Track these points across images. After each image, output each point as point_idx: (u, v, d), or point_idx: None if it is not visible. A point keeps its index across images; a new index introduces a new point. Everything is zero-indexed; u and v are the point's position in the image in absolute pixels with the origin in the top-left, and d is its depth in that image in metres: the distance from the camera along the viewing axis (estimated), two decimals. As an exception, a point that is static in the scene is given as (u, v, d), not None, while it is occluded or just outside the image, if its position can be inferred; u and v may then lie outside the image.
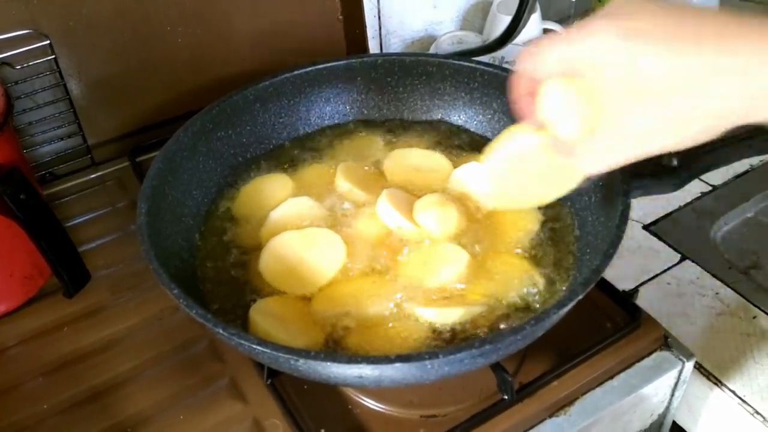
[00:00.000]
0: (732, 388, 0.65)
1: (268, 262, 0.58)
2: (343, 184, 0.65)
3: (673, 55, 0.33)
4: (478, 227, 0.60)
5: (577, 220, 0.61)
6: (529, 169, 0.48)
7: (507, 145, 0.48)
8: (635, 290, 0.63)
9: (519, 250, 0.59)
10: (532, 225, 0.61)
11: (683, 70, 0.33)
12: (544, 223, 0.61)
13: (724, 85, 0.33)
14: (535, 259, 0.58)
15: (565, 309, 0.46)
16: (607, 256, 0.48)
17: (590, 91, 0.37)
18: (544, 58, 0.39)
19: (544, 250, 0.59)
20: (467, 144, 0.71)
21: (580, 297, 0.46)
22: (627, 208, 0.51)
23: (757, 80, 0.32)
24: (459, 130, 0.73)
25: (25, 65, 0.74)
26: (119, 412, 0.57)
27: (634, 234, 0.79)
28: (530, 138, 0.46)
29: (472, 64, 0.70)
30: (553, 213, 0.62)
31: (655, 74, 0.34)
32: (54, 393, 0.59)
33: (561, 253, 0.59)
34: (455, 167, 0.66)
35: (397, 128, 0.74)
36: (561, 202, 0.63)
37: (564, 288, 0.56)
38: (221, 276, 0.59)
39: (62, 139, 0.82)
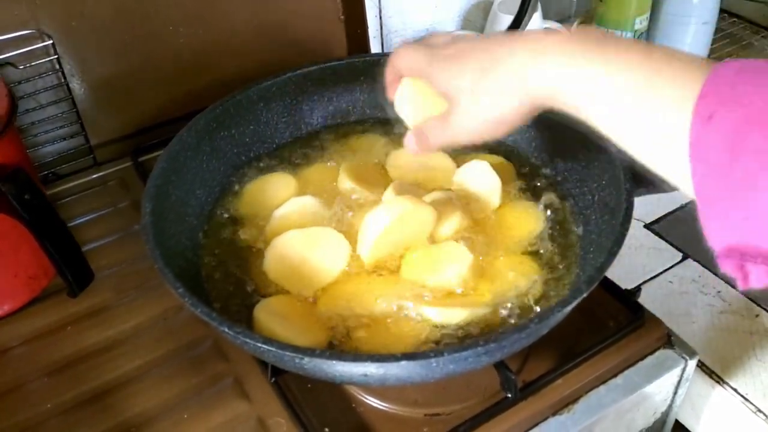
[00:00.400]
0: (734, 386, 0.65)
1: (272, 262, 0.58)
2: (346, 182, 0.65)
3: (469, 74, 0.46)
4: (482, 226, 0.60)
5: (580, 219, 0.61)
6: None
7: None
8: (638, 289, 0.63)
9: (522, 249, 0.59)
10: (536, 224, 0.61)
11: (476, 85, 0.46)
12: (547, 222, 0.61)
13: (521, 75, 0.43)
14: (539, 258, 0.59)
15: (570, 307, 0.46)
16: (611, 253, 0.48)
17: (424, 89, 0.51)
18: (402, 60, 0.53)
19: (547, 248, 0.59)
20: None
21: (585, 295, 0.46)
22: (631, 206, 0.52)
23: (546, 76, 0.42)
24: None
25: (27, 65, 0.74)
26: (123, 411, 0.57)
27: (635, 233, 0.80)
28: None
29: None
30: (556, 211, 0.62)
31: (460, 89, 0.47)
32: (58, 393, 0.59)
33: (564, 251, 0.59)
34: (458, 166, 0.66)
35: (400, 127, 0.74)
36: (565, 200, 0.63)
37: (567, 287, 0.56)
38: (225, 275, 0.59)
39: (65, 139, 0.82)
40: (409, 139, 0.54)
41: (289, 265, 0.58)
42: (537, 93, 0.43)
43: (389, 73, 0.55)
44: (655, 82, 0.36)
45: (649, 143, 0.37)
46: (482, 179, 0.63)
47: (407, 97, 0.54)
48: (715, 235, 0.33)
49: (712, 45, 1.03)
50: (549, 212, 0.62)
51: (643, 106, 0.37)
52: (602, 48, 0.39)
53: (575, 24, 1.05)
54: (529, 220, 0.61)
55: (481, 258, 0.58)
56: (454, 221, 0.59)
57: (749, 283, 0.33)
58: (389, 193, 0.61)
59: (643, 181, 0.54)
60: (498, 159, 0.68)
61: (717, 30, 1.03)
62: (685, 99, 0.34)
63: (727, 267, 0.33)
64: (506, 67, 0.44)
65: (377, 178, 0.67)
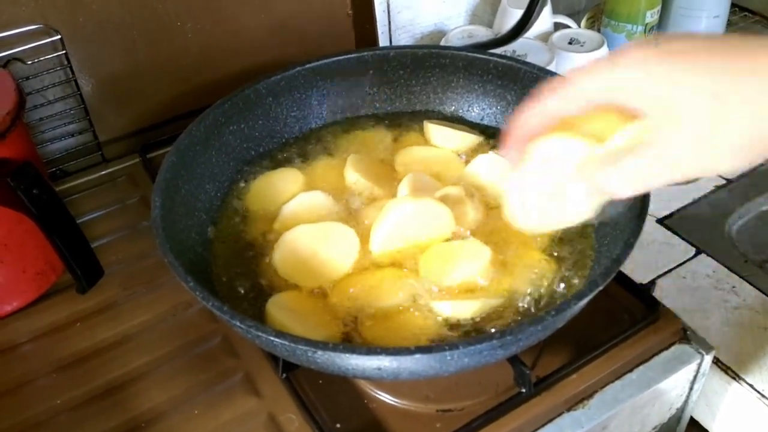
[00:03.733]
0: (750, 382, 0.64)
1: (281, 256, 0.58)
2: (353, 177, 0.64)
3: (717, 75, 0.32)
4: (495, 220, 0.60)
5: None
6: (558, 184, 0.43)
7: (539, 153, 0.41)
8: (653, 283, 0.63)
9: (537, 243, 0.58)
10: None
11: (727, 90, 0.32)
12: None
13: None
14: (553, 251, 0.58)
15: (586, 300, 0.46)
16: (628, 245, 0.47)
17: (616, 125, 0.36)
18: (583, 87, 0.37)
19: (561, 241, 0.58)
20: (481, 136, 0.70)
21: (601, 287, 0.46)
22: (647, 198, 0.51)
23: None
24: (472, 122, 0.73)
25: (35, 61, 0.74)
26: (133, 407, 0.57)
27: (647, 228, 0.78)
28: (566, 146, 0.40)
29: (486, 56, 0.70)
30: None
31: (697, 98, 0.32)
32: (67, 389, 0.58)
33: (579, 244, 0.58)
34: (469, 160, 0.66)
35: (409, 122, 0.73)
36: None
37: (582, 280, 0.55)
38: (234, 269, 0.58)
39: (73, 135, 0.82)
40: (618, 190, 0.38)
41: (299, 259, 0.57)
42: None
43: (526, 125, 0.39)
44: None
45: None
46: (494, 168, 0.62)
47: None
48: None
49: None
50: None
51: None
52: None
53: (584, 19, 1.05)
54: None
55: (495, 252, 0.57)
56: (468, 216, 0.58)
57: None
58: (404, 186, 0.60)
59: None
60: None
61: (728, 24, 1.02)
62: None
63: None
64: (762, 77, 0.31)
65: (385, 173, 0.66)
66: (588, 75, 0.36)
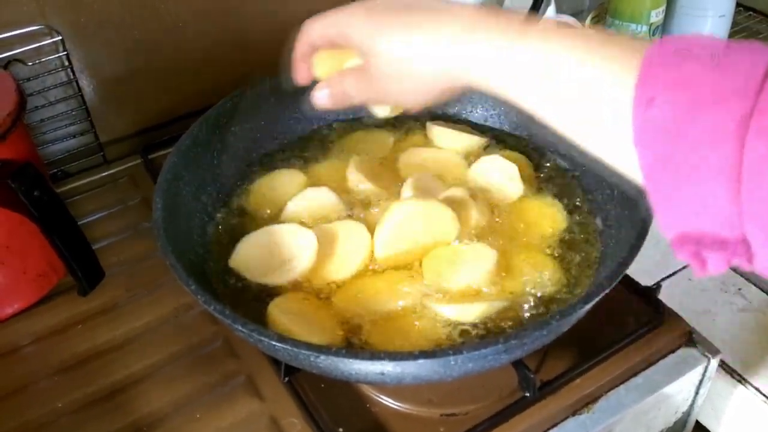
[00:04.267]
0: (756, 385, 0.64)
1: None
2: (356, 178, 0.64)
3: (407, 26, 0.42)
4: (499, 223, 0.59)
5: (600, 213, 0.60)
6: None
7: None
8: (658, 285, 0.62)
9: (542, 246, 0.58)
10: (556, 220, 0.60)
11: (413, 38, 0.41)
12: (567, 217, 0.60)
13: (440, 51, 0.40)
14: (558, 254, 0.57)
15: (591, 303, 0.45)
16: (634, 248, 0.47)
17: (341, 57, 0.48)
18: (314, 28, 0.48)
19: (566, 244, 0.58)
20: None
21: (607, 291, 0.45)
22: (653, 200, 0.50)
23: (461, 48, 0.39)
24: (476, 124, 0.72)
25: (36, 62, 0.74)
26: (134, 410, 0.56)
27: (652, 229, 0.78)
28: None
29: (489, 57, 0.69)
30: (575, 205, 0.61)
31: (390, 45, 0.42)
32: (68, 391, 0.58)
33: (583, 246, 0.58)
34: (473, 161, 0.65)
35: (412, 123, 0.73)
36: (584, 194, 0.62)
37: (588, 283, 0.54)
38: (235, 272, 0.58)
39: (74, 136, 0.81)
40: (321, 92, 0.49)
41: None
42: (455, 65, 0.40)
43: (301, 47, 0.50)
44: (594, 62, 0.34)
45: (591, 129, 0.35)
46: (499, 170, 0.62)
47: (324, 58, 0.49)
48: (667, 223, 0.32)
49: (728, 38, 1.02)
50: (567, 207, 0.61)
51: (583, 87, 0.34)
52: (536, 27, 0.37)
53: (589, 18, 1.04)
54: (548, 217, 0.60)
55: (501, 256, 0.56)
56: (473, 219, 0.57)
57: (707, 270, 0.31)
58: (408, 188, 0.60)
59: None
60: (513, 154, 0.67)
61: (733, 23, 1.01)
62: (625, 82, 0.32)
63: (682, 255, 0.32)
64: (445, 33, 0.40)
65: (388, 175, 0.66)
66: (317, 20, 0.48)
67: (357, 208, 0.62)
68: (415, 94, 0.44)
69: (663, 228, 0.32)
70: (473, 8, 0.40)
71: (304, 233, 0.57)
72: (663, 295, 0.62)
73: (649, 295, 0.61)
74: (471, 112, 0.73)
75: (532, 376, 0.53)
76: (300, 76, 0.52)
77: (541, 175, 0.65)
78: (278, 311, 0.53)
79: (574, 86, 0.35)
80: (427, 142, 0.70)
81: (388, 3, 0.43)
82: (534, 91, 0.37)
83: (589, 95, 0.34)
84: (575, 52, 0.35)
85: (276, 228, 0.58)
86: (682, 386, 0.60)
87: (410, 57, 0.41)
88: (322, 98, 0.49)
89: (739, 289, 0.72)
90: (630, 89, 0.32)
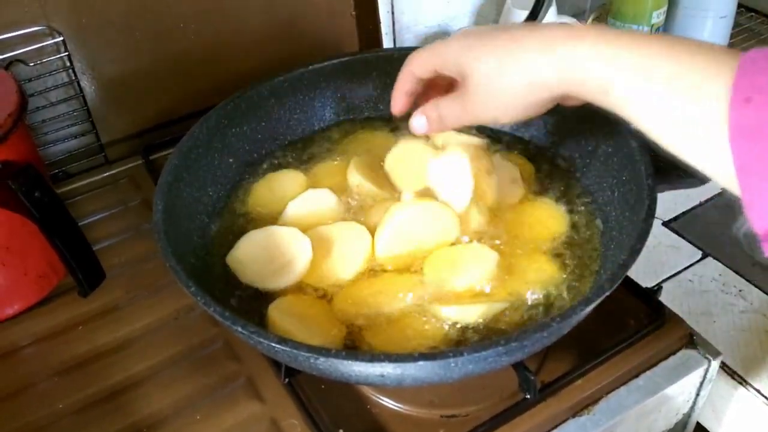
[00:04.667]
0: (757, 387, 0.63)
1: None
2: (356, 179, 0.64)
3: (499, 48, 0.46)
4: (500, 224, 0.59)
5: (600, 215, 0.59)
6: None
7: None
8: (659, 287, 0.62)
9: (542, 248, 0.58)
10: (556, 222, 0.60)
11: (505, 58, 0.45)
12: (567, 219, 0.60)
13: (538, 66, 0.44)
14: (559, 256, 0.57)
15: (592, 305, 0.45)
16: (635, 250, 0.46)
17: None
18: (415, 58, 0.51)
19: (567, 245, 0.58)
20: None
21: (608, 293, 0.45)
22: (654, 201, 0.50)
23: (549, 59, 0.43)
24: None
25: (38, 62, 0.74)
26: (135, 412, 0.56)
27: (654, 231, 0.78)
28: None
29: (490, 58, 0.69)
30: (575, 208, 0.61)
31: (483, 64, 0.46)
32: (69, 393, 0.58)
33: (584, 248, 0.58)
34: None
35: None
36: (584, 196, 0.62)
37: (588, 285, 0.54)
38: (235, 273, 0.58)
39: (75, 137, 0.82)
40: (418, 120, 0.52)
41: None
42: (565, 76, 0.42)
43: (403, 77, 0.53)
44: (685, 70, 0.37)
45: (683, 133, 0.37)
46: (499, 172, 0.62)
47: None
48: (758, 218, 0.34)
49: (730, 39, 1.01)
50: (568, 209, 0.61)
51: (676, 94, 0.37)
52: (628, 37, 0.40)
53: (590, 19, 1.04)
54: (549, 218, 0.60)
55: (502, 257, 0.56)
56: (474, 220, 0.57)
57: None
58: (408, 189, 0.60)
59: (663, 176, 0.53)
60: (514, 155, 0.67)
61: (735, 24, 1.01)
62: (719, 85, 0.35)
63: None
64: (533, 48, 0.43)
65: (387, 176, 0.66)
66: (418, 52, 0.51)
67: (357, 209, 0.62)
68: (506, 108, 0.46)
69: (754, 225, 0.34)
70: (550, 25, 0.45)
71: (299, 238, 0.56)
72: (664, 297, 0.62)
73: (649, 296, 0.61)
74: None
75: (532, 377, 0.53)
76: (397, 109, 0.55)
77: (542, 176, 0.65)
78: (278, 313, 0.53)
79: (671, 87, 0.37)
80: (428, 143, 0.70)
81: (478, 32, 0.48)
82: (633, 90, 0.39)
83: (685, 95, 0.37)
84: (672, 52, 0.38)
85: (274, 229, 0.58)
86: (683, 388, 0.59)
87: (502, 73, 0.45)
88: (419, 125, 0.52)
89: (740, 291, 0.72)
90: (726, 89, 0.34)
